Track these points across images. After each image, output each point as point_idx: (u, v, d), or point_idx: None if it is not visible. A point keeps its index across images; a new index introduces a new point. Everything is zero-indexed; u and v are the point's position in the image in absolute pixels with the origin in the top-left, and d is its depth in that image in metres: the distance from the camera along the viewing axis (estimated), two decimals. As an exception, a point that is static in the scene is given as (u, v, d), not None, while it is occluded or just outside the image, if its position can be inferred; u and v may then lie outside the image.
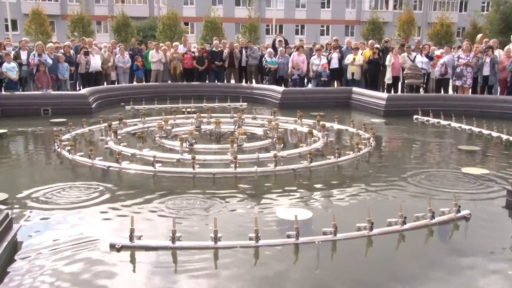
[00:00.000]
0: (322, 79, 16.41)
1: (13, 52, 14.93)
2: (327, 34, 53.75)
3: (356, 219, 5.07)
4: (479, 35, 19.03)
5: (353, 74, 16.71)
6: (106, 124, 10.20)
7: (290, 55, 17.26)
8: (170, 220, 4.76)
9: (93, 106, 13.51)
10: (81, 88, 16.23)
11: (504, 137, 9.87)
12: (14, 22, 43.19)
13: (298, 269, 4.40)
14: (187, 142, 8.66)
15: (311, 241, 4.72)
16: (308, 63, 16.89)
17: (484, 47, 15.53)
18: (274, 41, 19.48)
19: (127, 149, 8.45)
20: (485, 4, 53.38)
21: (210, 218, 5.05)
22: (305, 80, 17.64)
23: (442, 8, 55.45)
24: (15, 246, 4.57)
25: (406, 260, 4.57)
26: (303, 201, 5.95)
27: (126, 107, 14.04)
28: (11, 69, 13.90)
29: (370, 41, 18.80)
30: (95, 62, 16.39)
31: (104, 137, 9.63)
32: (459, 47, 17.49)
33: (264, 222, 5.16)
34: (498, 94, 14.92)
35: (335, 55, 17.08)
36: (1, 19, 44.15)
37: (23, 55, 15.04)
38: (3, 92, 13.81)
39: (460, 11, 57.80)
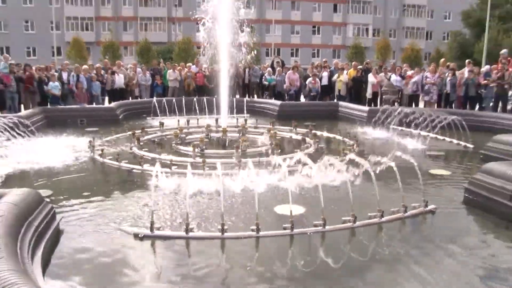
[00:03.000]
0: (312, 94, 16.49)
1: (56, 74, 15.10)
2: (318, 56, 53.75)
3: (341, 213, 5.07)
4: (442, 60, 19.16)
5: (339, 90, 16.75)
6: (130, 133, 10.21)
7: (286, 74, 17.34)
8: (184, 214, 4.75)
9: (120, 117, 13.53)
10: (112, 102, 16.27)
11: (462, 143, 9.92)
12: (58, 49, 43.47)
13: (293, 255, 4.39)
14: (198, 148, 8.65)
15: (304, 232, 4.71)
16: (304, 82, 17.03)
17: (447, 70, 15.71)
18: (272, 62, 19.49)
19: (148, 154, 8.46)
20: (446, 34, 53.87)
21: (217, 213, 5.03)
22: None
23: (412, 37, 55.69)
24: (58, 234, 4.62)
25: (385, 246, 4.58)
26: (297, 198, 5.91)
27: (147, 118, 14.05)
28: (54, 87, 14.26)
29: (353, 63, 18.84)
30: (119, 80, 16.45)
31: (129, 143, 9.63)
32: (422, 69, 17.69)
33: (264, 216, 5.15)
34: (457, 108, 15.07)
35: (324, 74, 17.14)
36: (49, 46, 44.49)
37: (64, 76, 15.24)
38: (48, 106, 13.96)
39: (427, 39, 58.01)
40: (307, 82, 16.81)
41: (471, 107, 14.75)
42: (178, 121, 11.93)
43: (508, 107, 13.80)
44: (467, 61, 16.32)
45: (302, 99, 17.65)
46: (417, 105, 16.03)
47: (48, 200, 5.24)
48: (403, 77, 16.49)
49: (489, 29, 32.92)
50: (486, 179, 5.57)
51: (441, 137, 10.51)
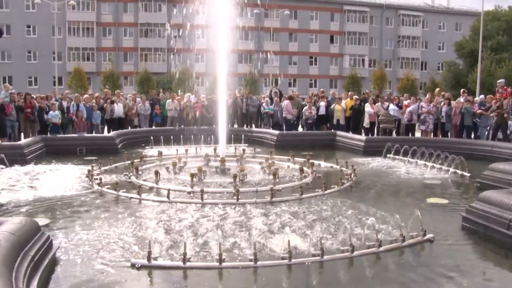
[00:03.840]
0: (309, 121, 16.62)
1: (56, 103, 15.25)
2: (315, 86, 54.18)
3: (339, 244, 5.03)
4: (437, 89, 19.44)
5: (338, 120, 16.87)
6: (129, 162, 10.18)
7: (285, 104, 17.57)
8: (182, 243, 4.69)
9: (119, 146, 13.52)
10: (111, 131, 16.32)
11: (459, 172, 9.90)
12: (60, 79, 43.81)
13: (291, 285, 4.32)
14: (196, 177, 8.61)
15: (302, 262, 4.65)
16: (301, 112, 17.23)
17: (443, 99, 15.91)
18: (270, 92, 19.65)
19: (146, 183, 8.42)
20: (440, 65, 54.64)
21: (215, 242, 4.98)
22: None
23: (407, 67, 56.41)
24: (54, 263, 4.56)
25: (383, 276, 4.52)
26: (295, 228, 5.86)
27: (146, 147, 14.05)
28: (55, 116, 14.46)
29: (350, 93, 19.02)
30: (118, 110, 16.56)
31: (128, 172, 9.58)
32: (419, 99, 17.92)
33: (261, 246, 5.10)
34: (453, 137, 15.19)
35: (322, 104, 17.27)
36: (51, 76, 44.82)
37: (64, 104, 15.41)
38: (48, 135, 14.02)
39: (421, 69, 58.81)
40: (303, 110, 16.95)
41: (467, 136, 14.81)
42: (177, 150, 11.92)
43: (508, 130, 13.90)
44: (461, 90, 16.59)
45: (300, 128, 17.74)
46: (413, 134, 16.11)
47: (45, 228, 5.21)
48: (400, 107, 16.65)
49: (482, 60, 33.35)
50: (483, 207, 5.55)
51: (438, 166, 10.51)
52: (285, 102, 17.25)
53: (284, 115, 17.06)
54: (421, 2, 62.05)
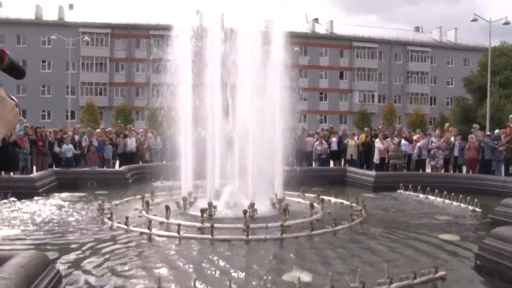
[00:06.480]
0: (322, 157, 16.70)
1: (69, 137, 15.53)
2: (325, 122, 54.41)
3: (350, 281, 4.96)
4: (446, 124, 19.48)
5: (351, 155, 16.94)
6: (139, 196, 10.20)
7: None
8: (192, 279, 4.66)
9: (130, 181, 13.58)
10: (122, 165, 16.43)
11: (471, 208, 9.78)
12: (72, 113, 44.50)
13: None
14: (207, 212, 8.58)
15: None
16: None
17: (455, 135, 15.92)
18: None
19: (157, 218, 8.41)
20: (449, 100, 54.68)
21: (225, 278, 4.94)
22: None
23: (416, 102, 56.61)
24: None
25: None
26: (305, 264, 5.81)
27: (157, 181, 14.07)
28: (68, 150, 14.60)
29: (366, 129, 19.18)
30: (131, 144, 16.69)
31: (138, 207, 9.58)
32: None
33: (271, 283, 5.05)
34: (465, 172, 15.06)
35: (334, 140, 17.41)
36: (64, 110, 45.54)
37: (76, 138, 15.64)
38: (60, 168, 14.22)
39: (431, 104, 58.97)
40: (315, 145, 17.07)
41: (486, 171, 14.55)
42: (187, 185, 11.90)
43: None
44: (474, 125, 16.61)
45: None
46: (423, 170, 16.03)
47: (55, 262, 5.20)
48: (410, 141, 16.68)
49: (490, 95, 33.38)
50: (496, 244, 5.46)
51: (449, 201, 10.41)
52: (309, 139, 17.60)
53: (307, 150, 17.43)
54: (429, 38, 62.75)
